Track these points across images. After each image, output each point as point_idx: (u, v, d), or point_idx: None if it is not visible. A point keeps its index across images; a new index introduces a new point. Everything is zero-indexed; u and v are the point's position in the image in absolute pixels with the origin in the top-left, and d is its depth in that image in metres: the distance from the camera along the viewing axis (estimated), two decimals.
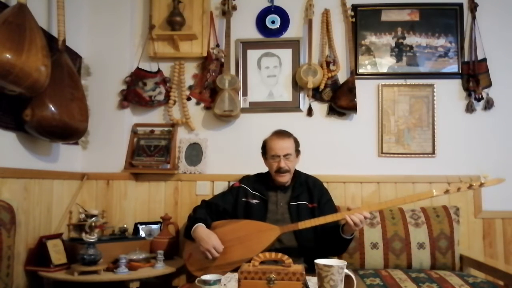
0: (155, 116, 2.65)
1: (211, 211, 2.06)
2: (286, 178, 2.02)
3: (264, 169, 2.14)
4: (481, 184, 1.69)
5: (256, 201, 2.05)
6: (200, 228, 1.90)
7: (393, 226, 2.24)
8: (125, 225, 2.40)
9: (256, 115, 2.62)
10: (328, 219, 1.80)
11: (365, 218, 1.71)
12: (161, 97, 2.57)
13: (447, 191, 1.69)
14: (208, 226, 1.93)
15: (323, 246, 1.93)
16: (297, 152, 2.08)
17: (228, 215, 2.07)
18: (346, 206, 1.81)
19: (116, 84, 2.57)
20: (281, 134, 2.07)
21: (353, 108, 2.48)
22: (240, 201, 2.07)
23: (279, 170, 2.00)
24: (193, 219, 1.98)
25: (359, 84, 2.53)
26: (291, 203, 2.01)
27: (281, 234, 1.86)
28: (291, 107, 2.61)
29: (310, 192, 2.05)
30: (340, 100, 2.50)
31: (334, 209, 2.03)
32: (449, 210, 2.30)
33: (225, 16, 2.61)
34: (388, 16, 2.62)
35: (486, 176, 1.69)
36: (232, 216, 2.06)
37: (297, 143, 2.09)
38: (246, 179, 2.17)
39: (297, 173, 2.12)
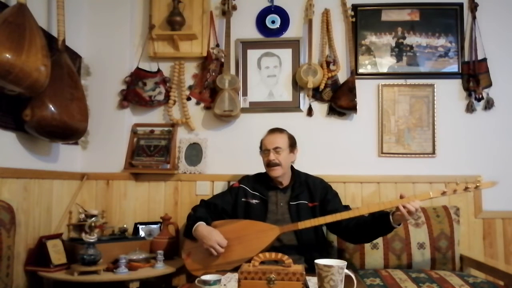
0: (155, 116, 2.65)
1: (210, 210, 2.06)
2: (277, 172, 2.00)
3: (263, 169, 2.14)
4: (476, 187, 1.75)
5: (256, 201, 2.05)
6: (201, 226, 1.90)
7: None
8: (125, 225, 2.40)
9: (256, 115, 2.62)
10: (327, 219, 1.82)
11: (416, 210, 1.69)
12: (161, 97, 2.57)
13: (444, 193, 1.77)
14: (209, 225, 1.93)
15: (355, 231, 1.88)
16: (291, 147, 2.06)
17: (227, 215, 2.07)
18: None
19: (116, 84, 2.57)
20: (273, 130, 2.10)
21: (353, 108, 2.48)
22: (239, 201, 2.07)
23: (269, 164, 2.01)
24: (193, 218, 1.98)
25: (359, 84, 2.53)
26: (291, 202, 2.01)
27: (281, 234, 1.87)
28: (291, 107, 2.61)
29: (310, 191, 2.05)
30: (340, 100, 2.50)
31: (340, 204, 2.04)
32: (449, 210, 2.30)
33: (225, 16, 2.61)
34: (388, 16, 2.62)
35: (480, 178, 1.74)
36: (232, 217, 2.06)
37: (291, 139, 2.08)
38: (245, 179, 2.17)
39: (296, 173, 2.12)
